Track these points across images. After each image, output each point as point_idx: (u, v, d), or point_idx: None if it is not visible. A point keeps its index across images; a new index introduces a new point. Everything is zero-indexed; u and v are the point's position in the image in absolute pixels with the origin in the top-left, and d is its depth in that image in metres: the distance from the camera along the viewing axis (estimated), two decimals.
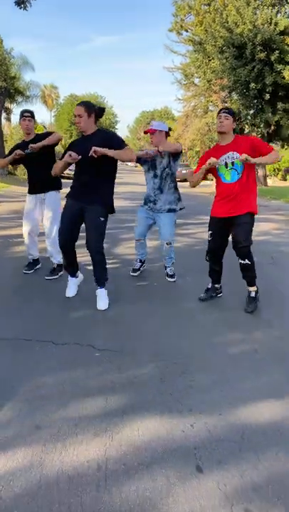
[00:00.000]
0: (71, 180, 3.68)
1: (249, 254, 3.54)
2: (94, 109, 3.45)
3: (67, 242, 3.56)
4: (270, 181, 23.47)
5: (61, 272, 4.39)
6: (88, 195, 3.46)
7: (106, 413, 2.12)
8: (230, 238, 3.71)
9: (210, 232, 3.74)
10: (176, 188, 4.35)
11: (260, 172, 20.98)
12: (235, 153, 3.47)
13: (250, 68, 17.53)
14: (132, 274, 4.57)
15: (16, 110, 29.68)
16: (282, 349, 2.92)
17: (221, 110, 3.59)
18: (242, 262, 3.56)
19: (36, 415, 2.08)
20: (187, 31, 25.46)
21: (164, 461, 1.79)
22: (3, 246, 5.82)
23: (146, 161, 4.25)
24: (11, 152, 4.24)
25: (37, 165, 4.23)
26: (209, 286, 3.95)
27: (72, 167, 3.70)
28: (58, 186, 4.39)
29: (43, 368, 2.53)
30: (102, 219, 3.49)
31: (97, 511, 1.53)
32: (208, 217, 3.79)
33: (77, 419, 2.06)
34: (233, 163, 3.48)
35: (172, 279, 4.41)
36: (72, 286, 3.84)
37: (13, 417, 2.06)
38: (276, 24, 17.18)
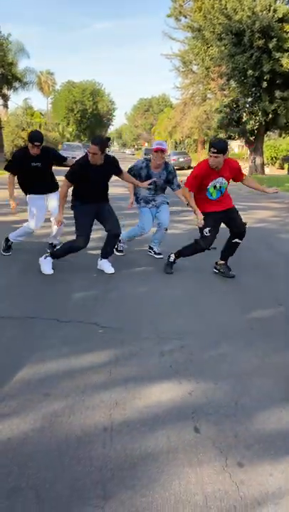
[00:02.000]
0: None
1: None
2: (106, 145, 3.86)
3: (87, 241, 4.01)
4: (267, 170, 23.49)
5: None
6: (101, 197, 4.10)
7: (110, 383, 2.27)
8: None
9: (208, 228, 3.97)
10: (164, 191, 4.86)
11: (257, 160, 21.03)
12: (223, 179, 3.91)
13: (249, 55, 17.45)
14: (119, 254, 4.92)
15: (13, 97, 29.49)
16: (276, 328, 3.08)
17: (210, 149, 3.75)
18: (239, 241, 4.14)
19: (45, 385, 2.23)
20: (186, 17, 25.26)
21: (164, 423, 1.96)
22: (2, 232, 5.93)
23: (141, 177, 4.51)
24: (14, 162, 4.45)
25: (43, 176, 4.45)
26: (172, 260, 4.29)
27: None
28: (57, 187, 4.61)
29: (50, 344, 2.68)
30: None
31: (104, 465, 1.69)
32: None
33: (83, 388, 2.21)
34: (220, 187, 3.92)
35: (161, 256, 4.83)
36: (50, 265, 4.13)
37: (23, 387, 2.21)
38: (275, 11, 17.06)
